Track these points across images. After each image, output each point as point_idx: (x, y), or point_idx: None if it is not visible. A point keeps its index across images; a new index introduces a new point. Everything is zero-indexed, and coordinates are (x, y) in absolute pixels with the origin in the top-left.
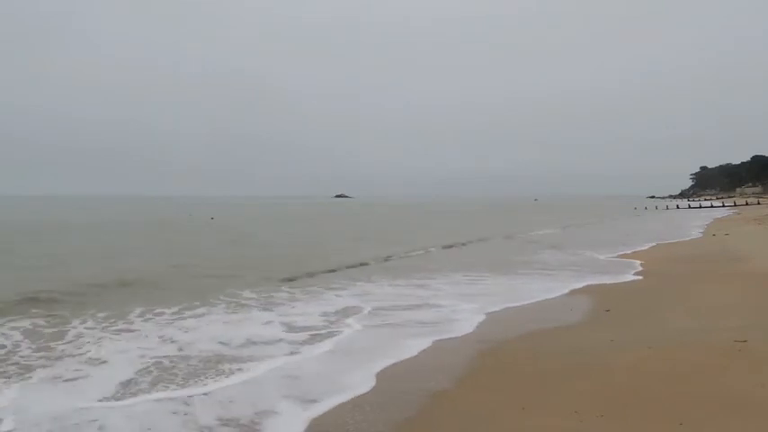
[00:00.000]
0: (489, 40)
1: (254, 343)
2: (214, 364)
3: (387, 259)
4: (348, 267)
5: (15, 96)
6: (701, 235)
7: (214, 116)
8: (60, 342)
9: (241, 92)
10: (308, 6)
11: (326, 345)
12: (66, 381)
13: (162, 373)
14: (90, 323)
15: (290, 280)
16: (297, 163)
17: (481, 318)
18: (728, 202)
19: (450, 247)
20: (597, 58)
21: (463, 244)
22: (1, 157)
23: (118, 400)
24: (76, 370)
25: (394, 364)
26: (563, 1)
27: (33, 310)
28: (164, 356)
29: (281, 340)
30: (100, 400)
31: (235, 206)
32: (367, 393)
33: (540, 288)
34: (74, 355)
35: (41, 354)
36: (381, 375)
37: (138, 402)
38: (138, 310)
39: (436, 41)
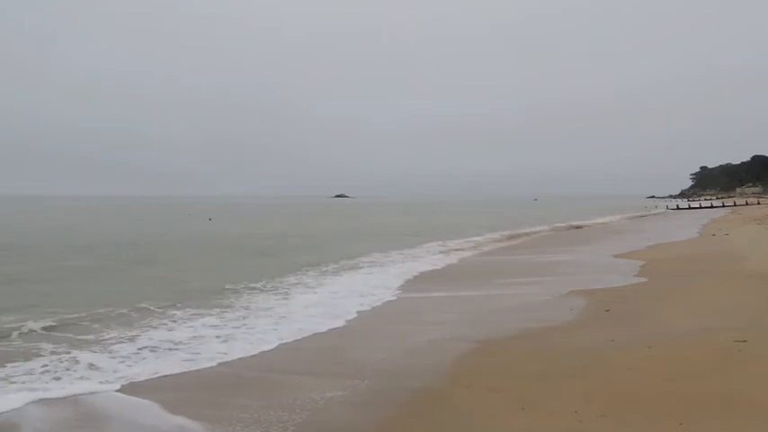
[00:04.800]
0: (489, 51)
1: None
2: None
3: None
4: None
5: (14, 101)
6: (700, 235)
7: (214, 122)
8: None
9: (243, 98)
10: (316, 18)
11: None
12: None
13: None
14: None
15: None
16: (298, 165)
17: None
18: (728, 202)
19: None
20: (598, 62)
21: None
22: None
23: None
24: None
25: (389, 360)
26: (567, 9)
27: None
28: None
29: None
30: None
31: (235, 207)
32: (360, 390)
33: (537, 291)
34: None
35: None
36: (376, 370)
37: None
38: None
39: (439, 53)
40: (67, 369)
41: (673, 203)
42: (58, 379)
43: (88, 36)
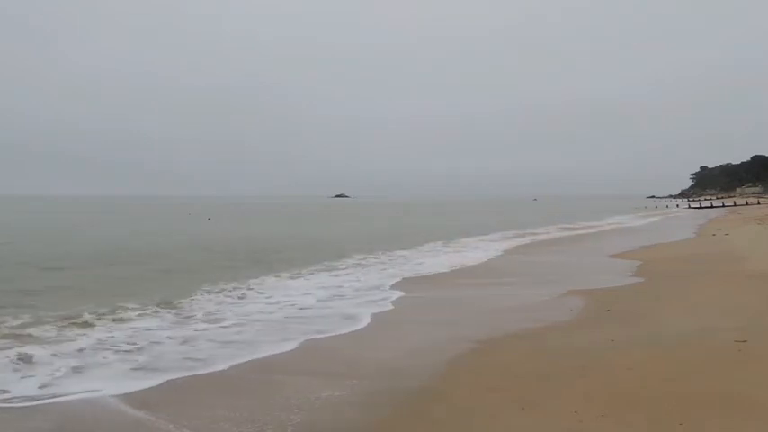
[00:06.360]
0: (491, 51)
1: None
2: None
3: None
4: None
5: (14, 101)
6: (699, 235)
7: (214, 122)
8: None
9: (243, 98)
10: (316, 18)
11: None
12: None
13: None
14: None
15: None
16: (298, 165)
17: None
18: (728, 202)
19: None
20: (598, 62)
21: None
22: (2, 159)
23: None
24: None
25: (388, 360)
26: (567, 9)
27: None
28: None
29: None
30: None
31: (235, 207)
32: (360, 390)
33: (536, 291)
34: None
35: None
36: (378, 369)
37: None
38: None
39: (441, 57)
40: (31, 367)
41: (673, 203)
42: (20, 378)
43: (88, 36)
